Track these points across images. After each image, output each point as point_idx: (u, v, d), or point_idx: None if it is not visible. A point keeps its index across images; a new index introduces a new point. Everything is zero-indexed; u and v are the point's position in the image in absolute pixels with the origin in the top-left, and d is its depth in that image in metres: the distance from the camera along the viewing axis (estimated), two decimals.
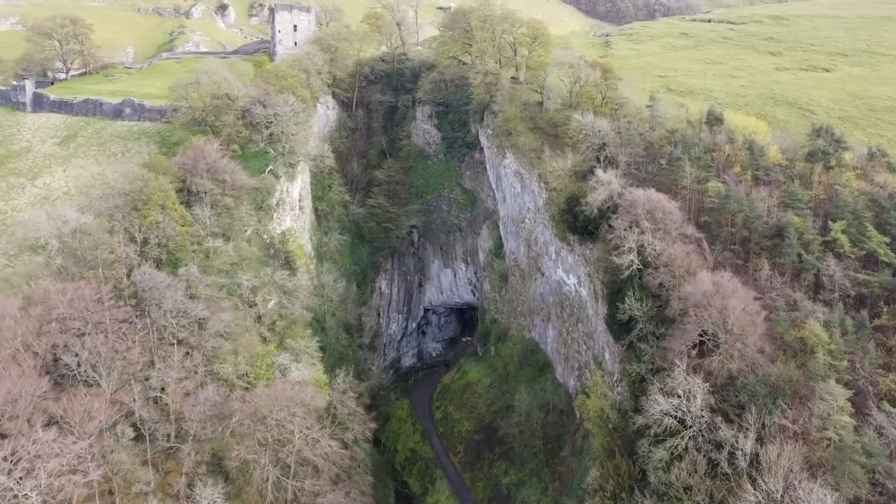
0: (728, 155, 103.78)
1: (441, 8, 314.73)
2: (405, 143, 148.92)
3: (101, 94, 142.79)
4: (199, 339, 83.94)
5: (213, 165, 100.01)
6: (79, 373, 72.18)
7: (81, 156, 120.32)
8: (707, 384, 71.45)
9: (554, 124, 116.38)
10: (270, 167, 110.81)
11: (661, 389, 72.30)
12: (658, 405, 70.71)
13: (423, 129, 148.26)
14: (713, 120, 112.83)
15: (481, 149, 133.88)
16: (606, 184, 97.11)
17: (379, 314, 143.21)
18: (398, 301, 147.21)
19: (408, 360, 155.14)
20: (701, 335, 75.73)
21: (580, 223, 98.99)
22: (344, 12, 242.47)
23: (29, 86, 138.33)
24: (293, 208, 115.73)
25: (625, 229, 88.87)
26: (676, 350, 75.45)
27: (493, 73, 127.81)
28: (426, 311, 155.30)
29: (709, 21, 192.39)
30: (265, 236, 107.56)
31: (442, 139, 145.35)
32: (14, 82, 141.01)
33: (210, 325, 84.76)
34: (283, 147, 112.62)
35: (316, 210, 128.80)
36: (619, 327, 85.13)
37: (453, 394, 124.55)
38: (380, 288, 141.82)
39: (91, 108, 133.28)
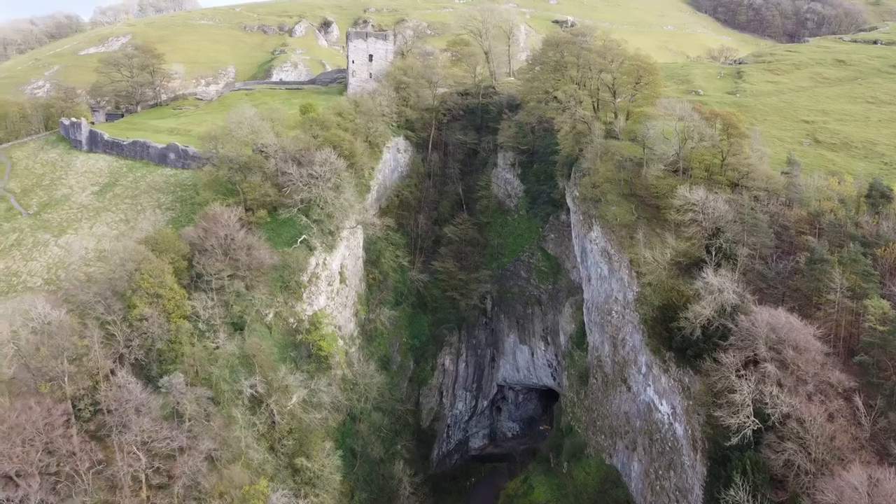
0: None
1: (557, 21, 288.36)
2: (483, 193, 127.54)
3: (159, 132, 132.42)
4: (172, 474, 67.66)
5: (227, 240, 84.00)
6: None
7: (112, 209, 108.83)
8: None
9: (655, 193, 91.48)
10: (304, 236, 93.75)
11: None
12: None
13: (505, 179, 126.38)
14: (877, 197, 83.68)
15: (568, 209, 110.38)
16: (716, 292, 71.81)
17: (442, 394, 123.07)
18: (466, 378, 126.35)
19: (477, 441, 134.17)
20: None
21: (677, 342, 74.20)
22: (446, 30, 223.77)
23: (85, 123, 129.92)
24: (331, 283, 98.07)
25: (737, 372, 63.59)
26: None
27: (583, 122, 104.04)
28: (500, 387, 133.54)
29: (874, 42, 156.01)
30: (291, 320, 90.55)
31: (525, 192, 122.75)
32: (74, 119, 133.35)
33: (187, 455, 68.43)
34: (320, 212, 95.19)
35: (368, 278, 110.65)
36: None
37: None
38: (443, 364, 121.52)
39: (139, 151, 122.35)
